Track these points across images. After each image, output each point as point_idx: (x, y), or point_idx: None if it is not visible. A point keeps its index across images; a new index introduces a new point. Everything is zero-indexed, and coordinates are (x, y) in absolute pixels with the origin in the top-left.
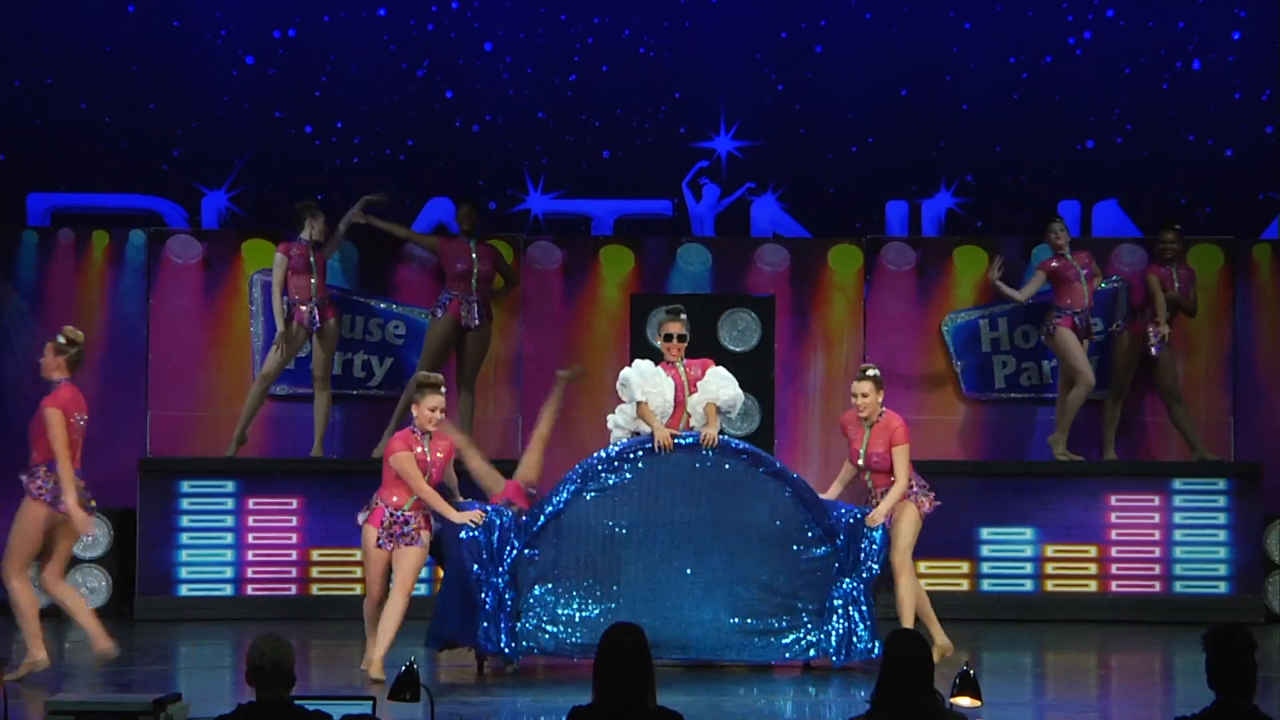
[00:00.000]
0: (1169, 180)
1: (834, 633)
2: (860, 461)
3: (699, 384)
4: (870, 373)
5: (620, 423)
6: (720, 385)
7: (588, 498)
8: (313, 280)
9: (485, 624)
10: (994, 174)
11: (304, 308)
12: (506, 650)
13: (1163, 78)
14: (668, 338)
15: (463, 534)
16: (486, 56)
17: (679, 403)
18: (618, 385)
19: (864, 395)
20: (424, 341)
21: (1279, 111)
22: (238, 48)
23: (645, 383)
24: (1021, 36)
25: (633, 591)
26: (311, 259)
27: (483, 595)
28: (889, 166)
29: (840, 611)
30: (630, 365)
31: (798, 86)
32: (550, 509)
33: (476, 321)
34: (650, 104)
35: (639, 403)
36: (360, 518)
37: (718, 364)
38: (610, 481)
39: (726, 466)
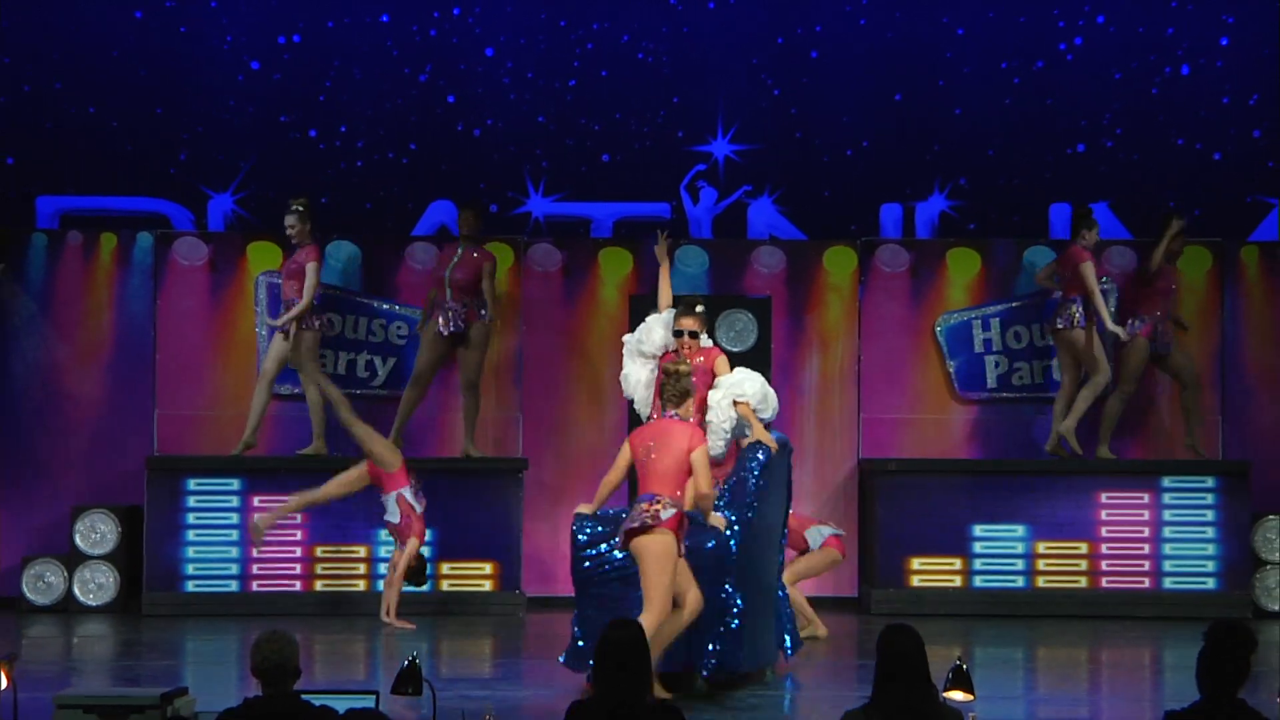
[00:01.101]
0: (1159, 183)
1: (783, 628)
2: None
3: (717, 380)
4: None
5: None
6: (741, 383)
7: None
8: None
9: (727, 643)
10: (987, 177)
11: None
12: (741, 667)
13: (1152, 82)
14: (678, 333)
15: (710, 543)
16: (488, 62)
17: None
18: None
19: None
20: None
21: (1267, 115)
22: (243, 53)
23: (648, 333)
24: (1014, 42)
25: (746, 599)
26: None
27: (733, 610)
28: (883, 170)
29: (781, 606)
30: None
31: (794, 91)
32: (742, 516)
33: (453, 329)
34: (649, 108)
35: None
36: (647, 517)
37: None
38: (763, 483)
39: (782, 465)
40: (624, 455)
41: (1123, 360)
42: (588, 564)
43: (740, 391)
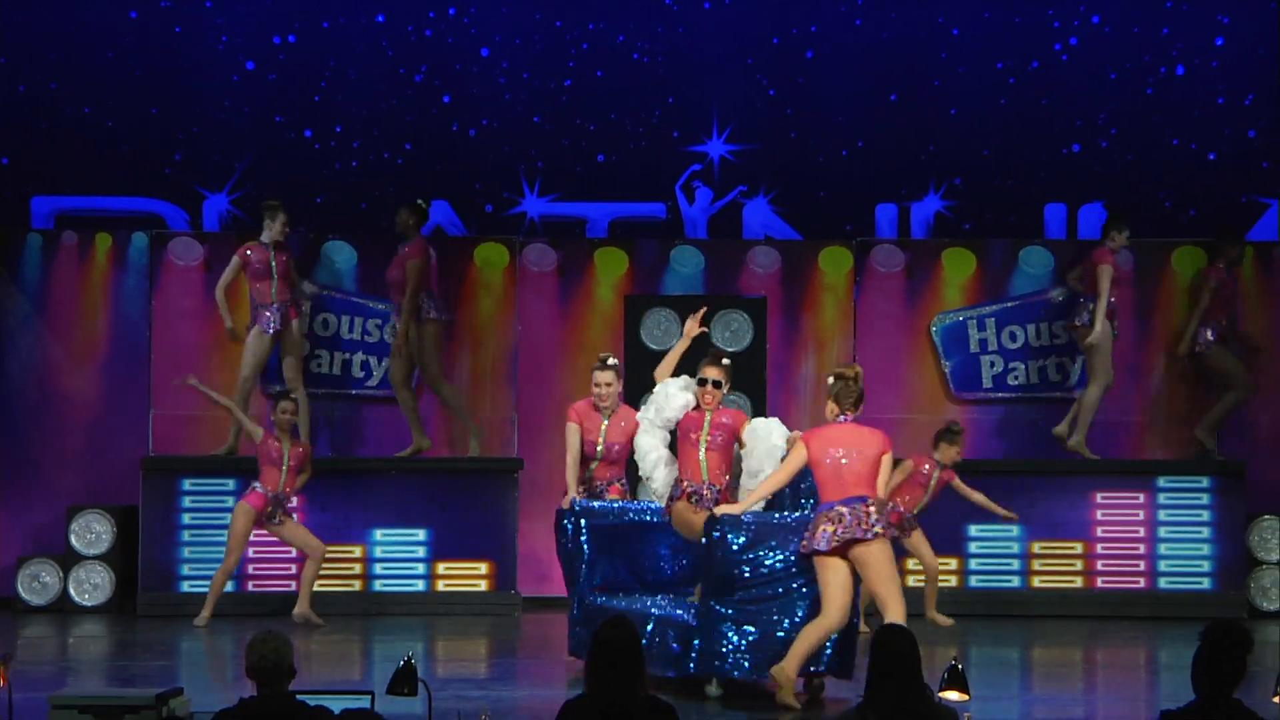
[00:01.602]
0: (1154, 183)
1: None
2: (600, 451)
3: (749, 448)
4: (611, 362)
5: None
6: (771, 434)
7: None
8: (272, 284)
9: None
10: (982, 177)
11: (266, 313)
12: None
13: (1147, 83)
14: (702, 382)
15: None
16: (483, 62)
17: (693, 444)
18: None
19: (608, 384)
20: None
21: (1261, 116)
22: (239, 53)
23: (666, 399)
24: (1009, 42)
25: None
26: (272, 262)
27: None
28: (879, 170)
29: None
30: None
31: (789, 91)
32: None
33: (395, 328)
34: (644, 108)
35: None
36: (877, 527)
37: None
38: None
39: None
40: (798, 457)
41: (1215, 371)
42: (745, 569)
43: (780, 445)
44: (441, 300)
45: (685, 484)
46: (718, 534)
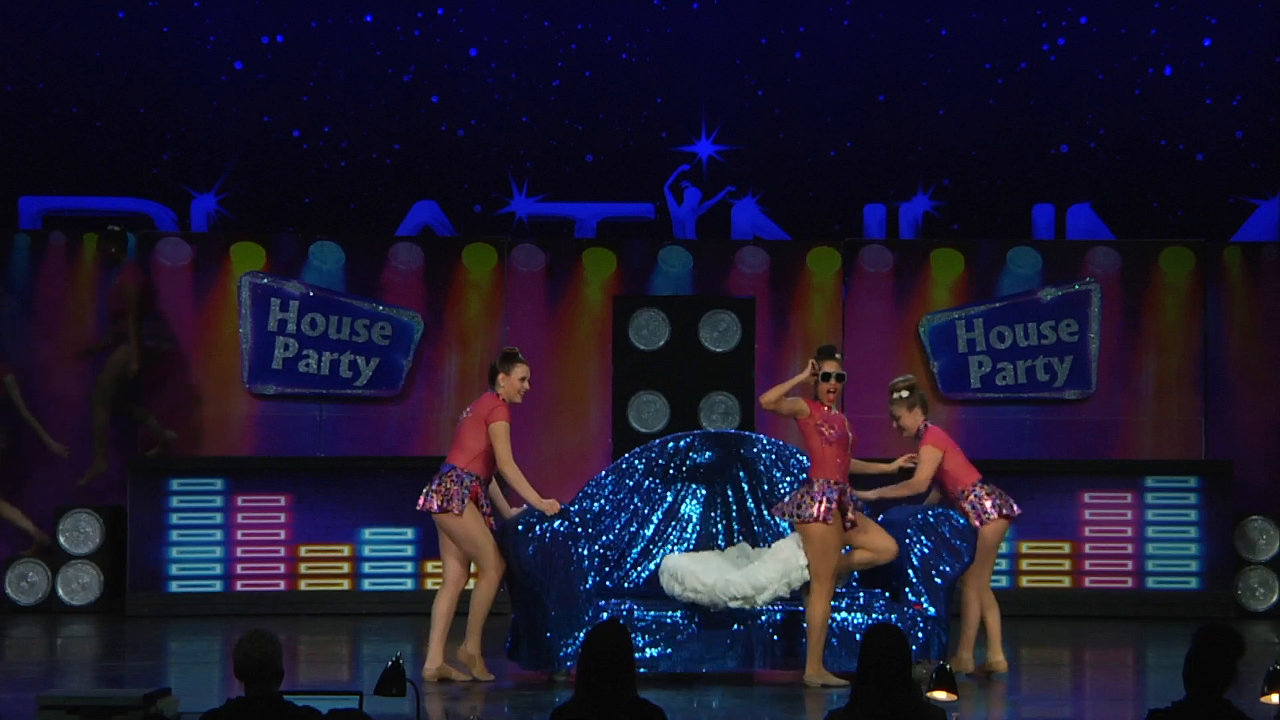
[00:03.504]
0: (1141, 184)
1: None
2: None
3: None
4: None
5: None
6: None
7: None
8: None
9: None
10: (970, 178)
11: None
12: None
13: (1135, 83)
14: (825, 376)
15: None
16: (471, 62)
17: (832, 442)
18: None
19: (530, 379)
20: None
21: (1249, 116)
22: (227, 53)
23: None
24: (997, 43)
25: None
26: None
27: None
28: (867, 170)
29: None
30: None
31: (777, 92)
32: None
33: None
34: (632, 108)
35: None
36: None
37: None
38: None
39: None
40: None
41: None
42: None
43: None
44: (155, 327)
45: (834, 486)
46: (958, 541)
